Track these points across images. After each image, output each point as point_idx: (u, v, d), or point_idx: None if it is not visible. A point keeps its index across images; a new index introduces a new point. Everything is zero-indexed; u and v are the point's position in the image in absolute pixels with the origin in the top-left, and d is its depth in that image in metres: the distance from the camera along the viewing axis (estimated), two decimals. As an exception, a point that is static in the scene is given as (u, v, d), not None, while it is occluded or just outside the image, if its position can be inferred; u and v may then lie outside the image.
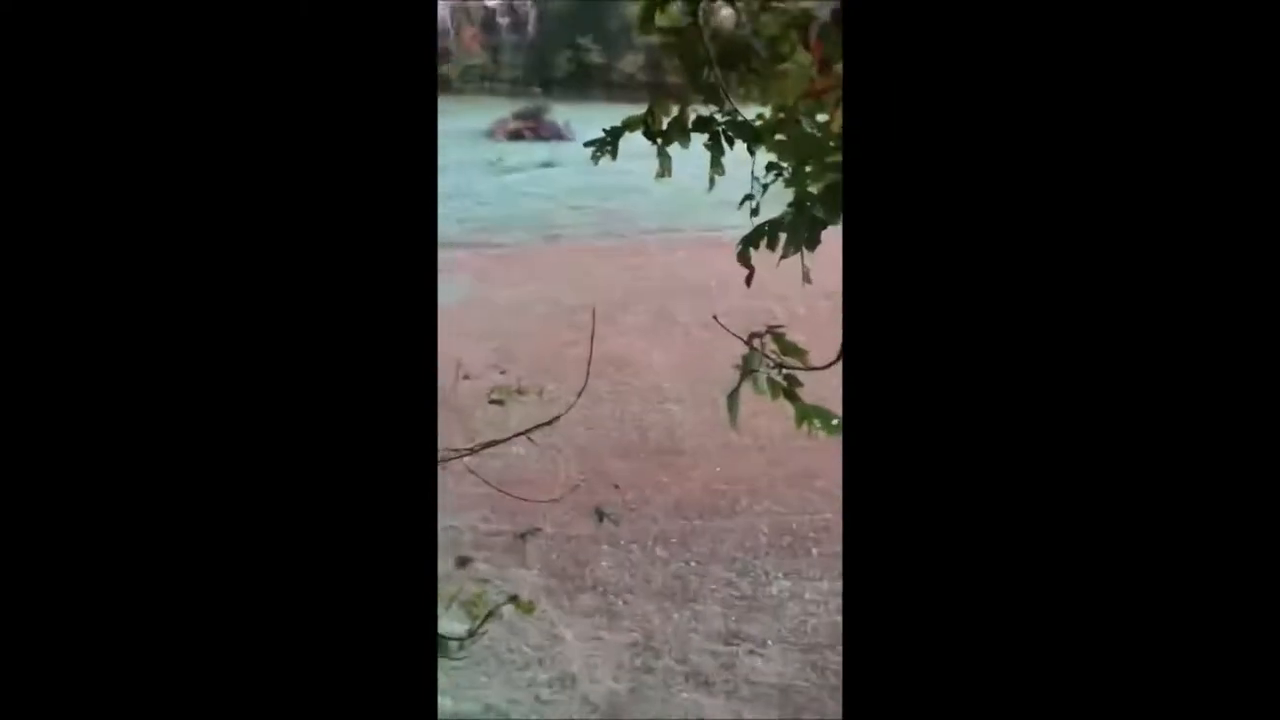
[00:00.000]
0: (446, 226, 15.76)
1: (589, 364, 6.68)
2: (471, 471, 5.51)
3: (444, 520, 6.58)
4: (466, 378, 9.36)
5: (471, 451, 3.49)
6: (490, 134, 27.04)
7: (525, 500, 6.81)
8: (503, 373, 9.57)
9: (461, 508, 7.02)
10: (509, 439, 3.37)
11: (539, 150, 22.94)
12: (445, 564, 6.00)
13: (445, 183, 19.37)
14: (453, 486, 6.98)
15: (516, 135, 25.71)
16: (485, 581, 5.91)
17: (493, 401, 8.39)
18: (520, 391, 8.38)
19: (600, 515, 6.73)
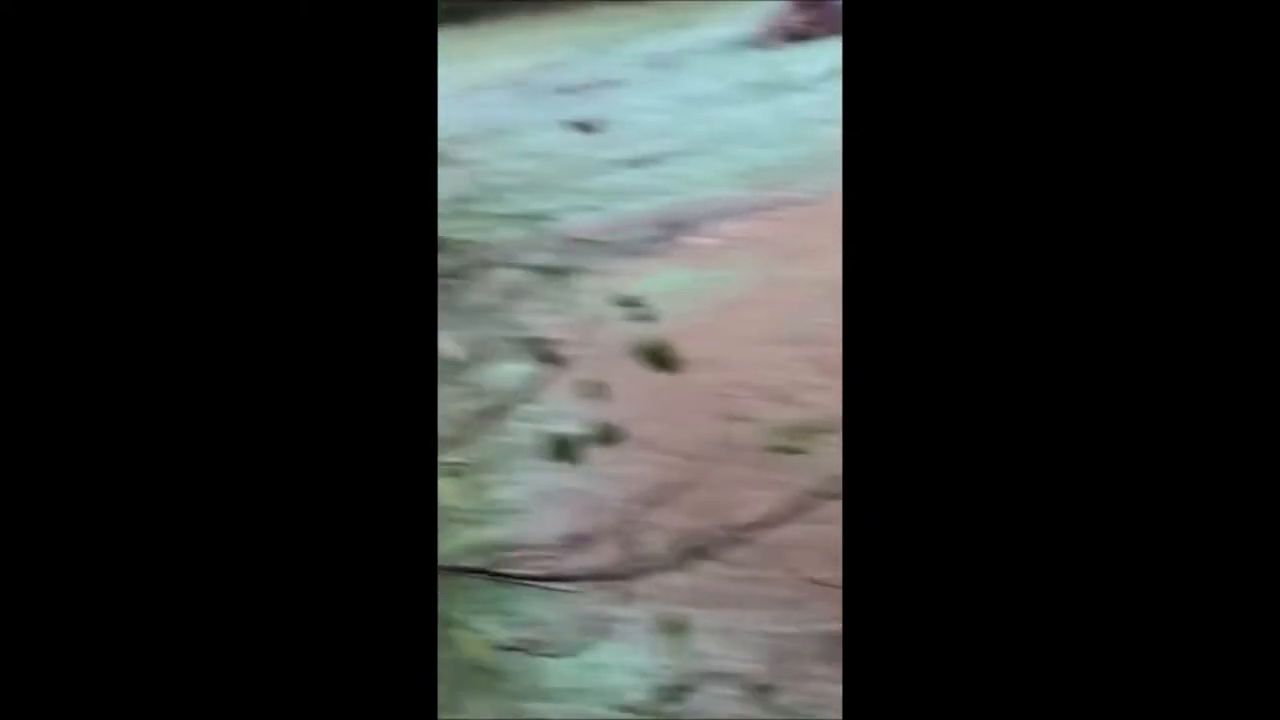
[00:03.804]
0: (713, 186, 12.92)
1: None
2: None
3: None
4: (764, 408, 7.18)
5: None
6: (758, 41, 19.69)
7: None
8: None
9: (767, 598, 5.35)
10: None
11: (833, 52, 15.37)
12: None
13: (700, 126, 15.67)
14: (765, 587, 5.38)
15: (797, 36, 18.54)
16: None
17: (783, 449, 5.78)
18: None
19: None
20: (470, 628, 3.39)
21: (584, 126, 16.19)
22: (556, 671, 4.65)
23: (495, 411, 4.65)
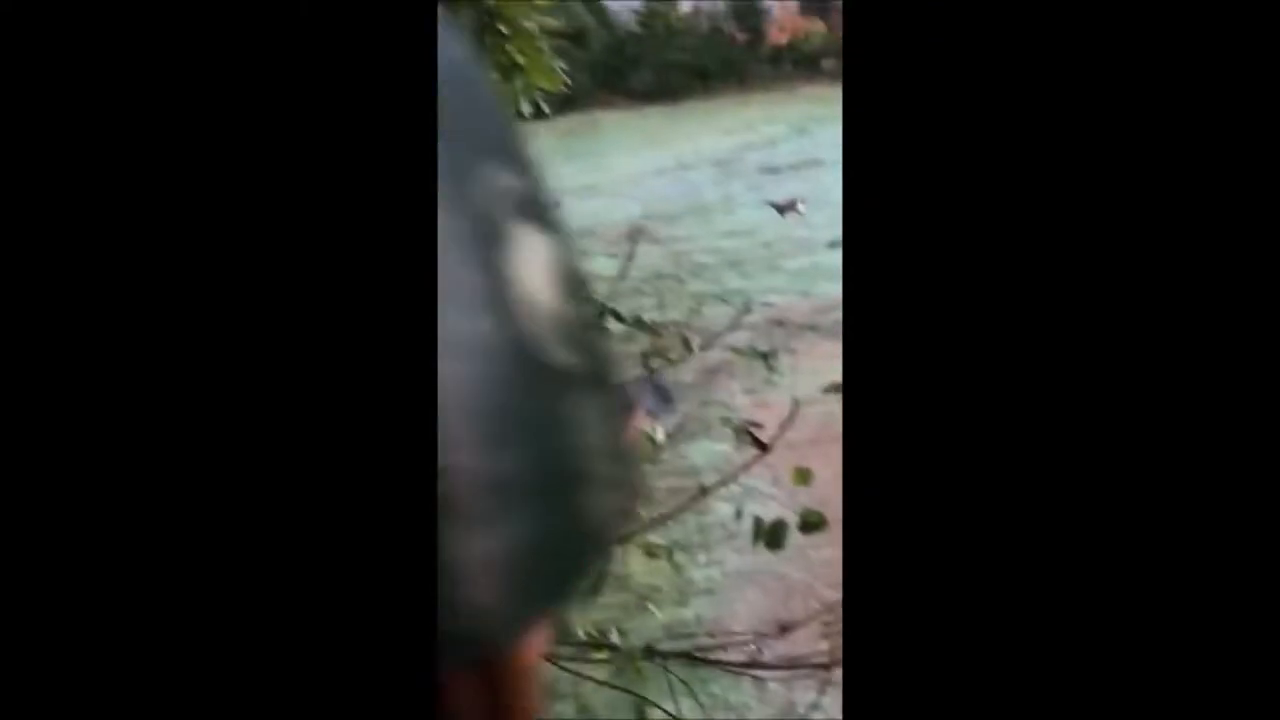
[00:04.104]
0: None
1: None
2: None
3: None
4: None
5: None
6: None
7: None
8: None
9: None
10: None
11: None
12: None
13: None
14: None
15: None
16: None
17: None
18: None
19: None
20: (668, 711, 3.36)
21: (786, 206, 16.45)
22: (755, 759, 4.59)
23: (696, 492, 4.65)
